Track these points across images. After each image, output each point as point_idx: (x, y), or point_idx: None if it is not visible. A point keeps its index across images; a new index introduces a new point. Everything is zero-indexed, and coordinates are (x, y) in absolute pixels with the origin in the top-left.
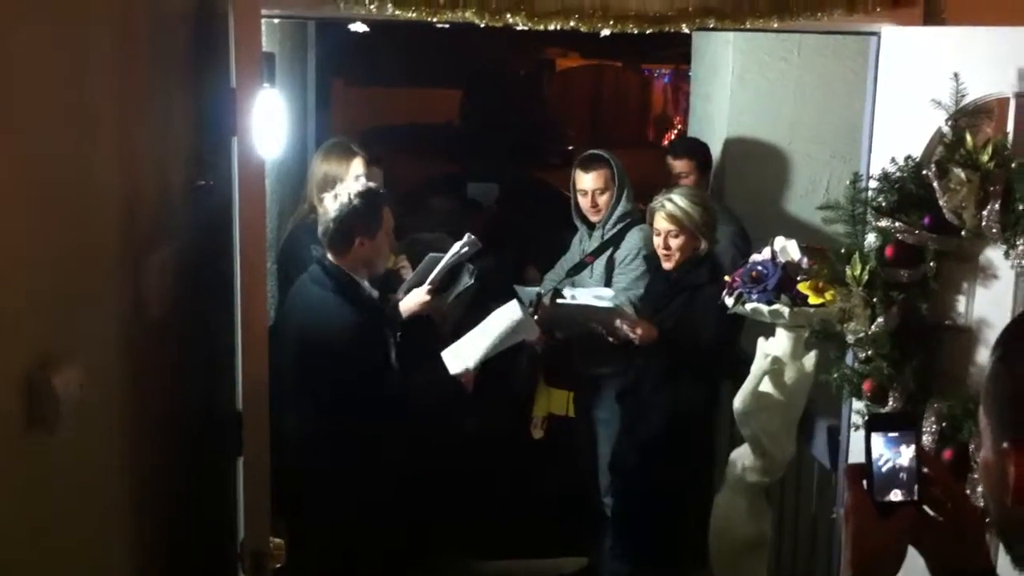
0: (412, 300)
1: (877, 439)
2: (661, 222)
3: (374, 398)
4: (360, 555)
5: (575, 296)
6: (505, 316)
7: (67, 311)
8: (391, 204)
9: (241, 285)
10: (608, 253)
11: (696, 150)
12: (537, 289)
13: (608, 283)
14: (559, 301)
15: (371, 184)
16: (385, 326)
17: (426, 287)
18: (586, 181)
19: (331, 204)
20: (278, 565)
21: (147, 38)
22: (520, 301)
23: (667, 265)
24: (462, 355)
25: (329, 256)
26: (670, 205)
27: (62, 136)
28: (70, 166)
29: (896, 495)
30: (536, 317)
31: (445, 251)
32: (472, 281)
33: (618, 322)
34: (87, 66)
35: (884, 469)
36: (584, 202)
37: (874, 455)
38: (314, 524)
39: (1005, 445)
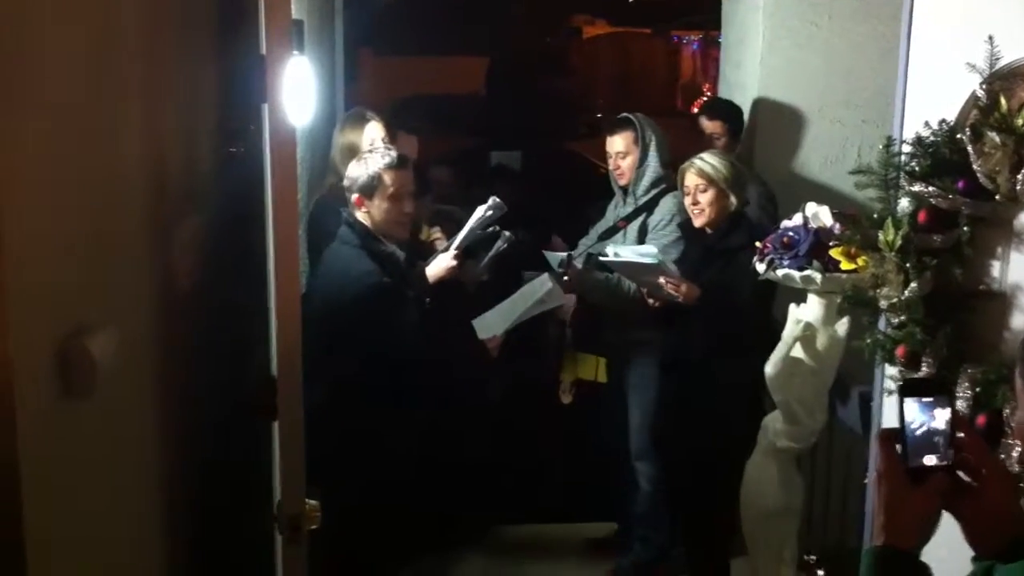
0: (439, 265)
1: (910, 404)
2: (691, 178)
3: (398, 355)
4: (387, 518)
5: (618, 253)
6: (534, 286)
7: (100, 279)
8: (403, 169)
9: (274, 251)
10: (641, 219)
11: (730, 112)
12: (564, 254)
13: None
14: (602, 259)
15: (380, 148)
16: (407, 285)
17: (452, 252)
18: (610, 144)
19: (352, 166)
20: (314, 527)
21: (174, 4)
22: (549, 267)
23: (698, 222)
24: (491, 324)
25: (355, 214)
26: (699, 162)
27: (90, 104)
28: (98, 134)
29: (929, 460)
30: (566, 278)
31: (462, 223)
32: (505, 245)
33: (662, 279)
34: (114, 33)
35: (917, 434)
36: (610, 164)
37: (907, 420)
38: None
39: None
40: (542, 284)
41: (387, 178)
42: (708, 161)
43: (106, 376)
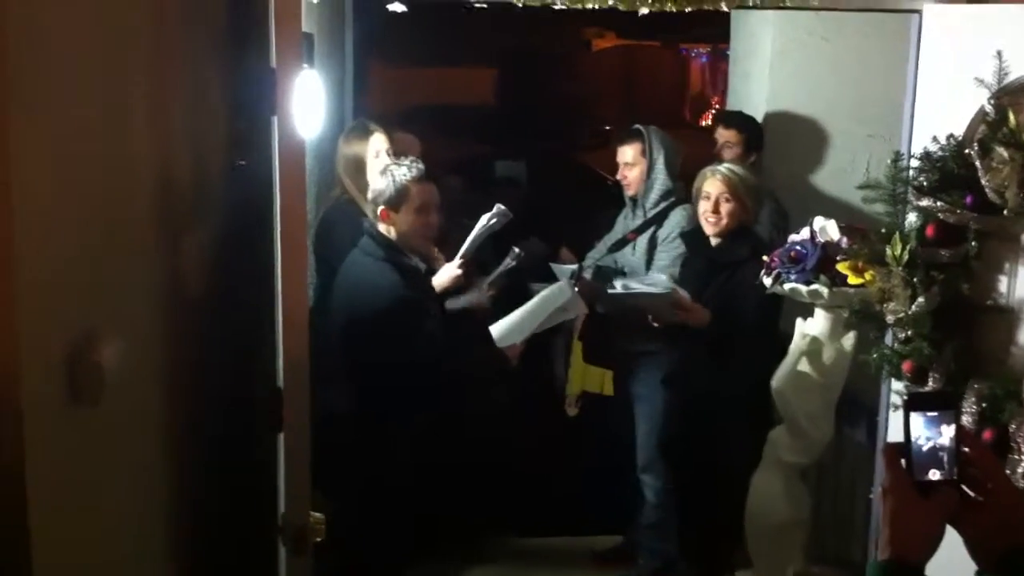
0: (444, 275)
1: (916, 418)
2: (716, 184)
3: (417, 367)
4: (393, 529)
5: (627, 285)
6: (554, 293)
7: (108, 287)
8: (429, 182)
9: (282, 263)
10: (651, 231)
11: (746, 123)
12: (573, 266)
13: (650, 261)
14: (610, 292)
15: (402, 160)
16: (429, 298)
17: (457, 261)
18: (619, 154)
19: (377, 178)
20: (319, 539)
21: (184, 17)
22: (555, 280)
23: (712, 231)
24: (510, 330)
25: (379, 227)
26: (725, 169)
27: (102, 114)
28: (109, 143)
29: (935, 475)
30: (576, 291)
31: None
32: (514, 263)
33: (678, 302)
34: (126, 44)
35: (923, 449)
36: (619, 175)
37: (913, 435)
38: (350, 496)
39: None
40: (561, 292)
41: (414, 190)
42: (735, 171)
43: (113, 385)
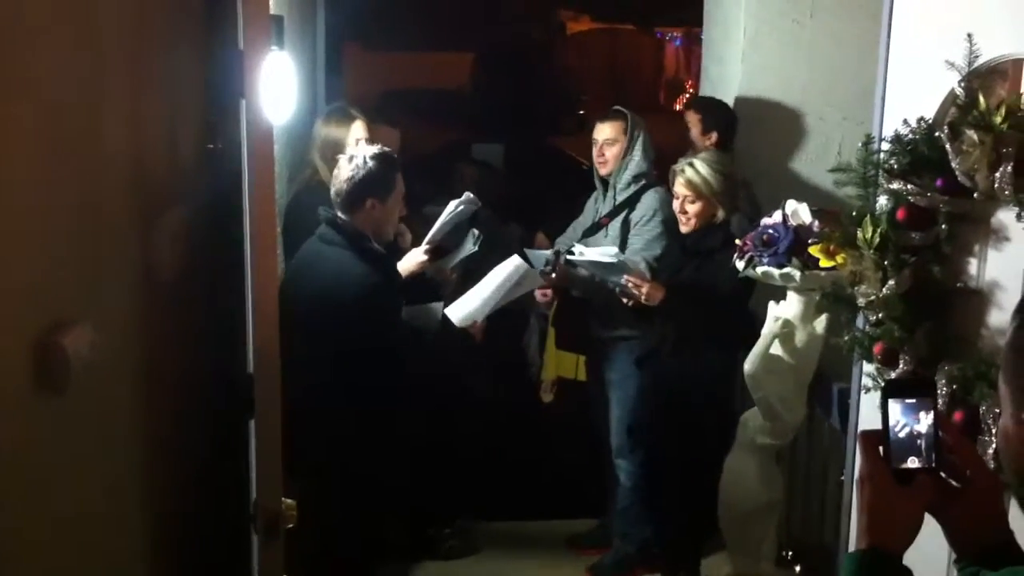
0: (410, 260)
1: (894, 405)
2: (679, 187)
3: (389, 354)
4: (371, 516)
5: (583, 253)
6: (507, 268)
7: (78, 274)
8: (402, 171)
9: (251, 248)
10: (623, 215)
11: (714, 109)
12: (548, 253)
13: (623, 244)
14: (568, 257)
15: (387, 148)
16: (395, 281)
17: (423, 247)
18: (598, 131)
19: (345, 165)
20: (290, 525)
21: None
22: (526, 259)
23: (684, 229)
24: (467, 309)
25: (340, 215)
26: (690, 170)
27: (72, 99)
28: (80, 128)
29: (913, 462)
30: (555, 276)
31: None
32: (476, 248)
33: (624, 277)
34: (97, 27)
35: (901, 435)
36: (595, 152)
37: (891, 422)
38: (325, 484)
39: None
40: (516, 268)
41: (398, 178)
42: (699, 171)
43: (82, 371)
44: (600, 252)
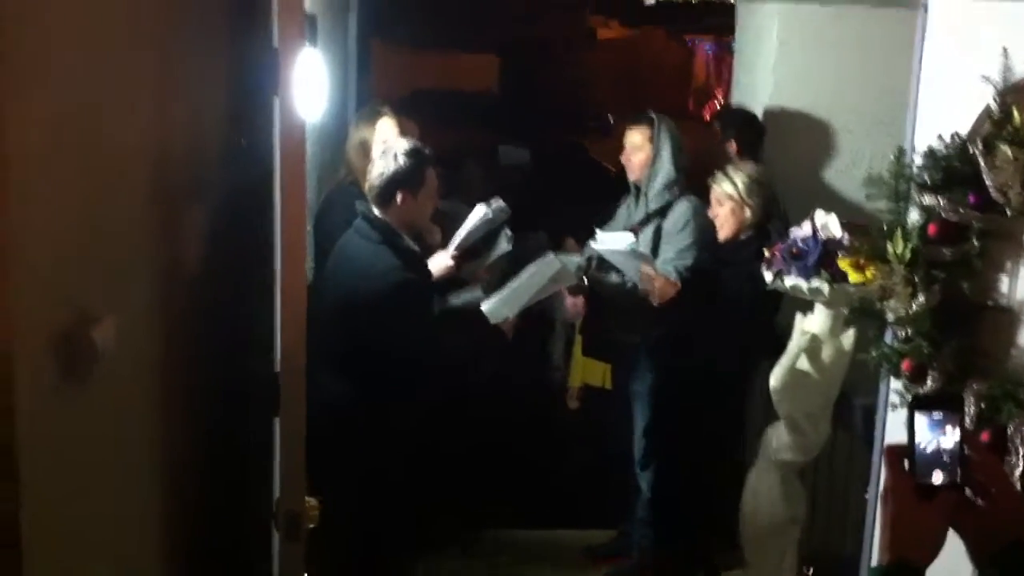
0: (436, 264)
1: (920, 419)
2: (713, 194)
3: (420, 352)
4: (388, 519)
5: (601, 241)
6: (542, 266)
7: (105, 267)
8: (435, 167)
9: (281, 247)
10: (656, 223)
11: (741, 121)
12: (579, 259)
13: (655, 253)
14: (591, 243)
15: (418, 143)
16: (427, 279)
17: (450, 251)
18: (626, 137)
19: (378, 160)
20: (312, 525)
21: None
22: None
23: (720, 235)
24: (501, 305)
25: (375, 210)
26: (718, 177)
27: (101, 92)
28: (108, 121)
29: (938, 477)
30: (586, 282)
31: (461, 219)
32: (509, 247)
33: (641, 268)
34: (127, 20)
35: (927, 450)
36: (623, 158)
37: (917, 436)
38: (346, 484)
39: None
40: (550, 264)
41: (428, 173)
42: (729, 177)
43: (107, 362)
44: (615, 239)
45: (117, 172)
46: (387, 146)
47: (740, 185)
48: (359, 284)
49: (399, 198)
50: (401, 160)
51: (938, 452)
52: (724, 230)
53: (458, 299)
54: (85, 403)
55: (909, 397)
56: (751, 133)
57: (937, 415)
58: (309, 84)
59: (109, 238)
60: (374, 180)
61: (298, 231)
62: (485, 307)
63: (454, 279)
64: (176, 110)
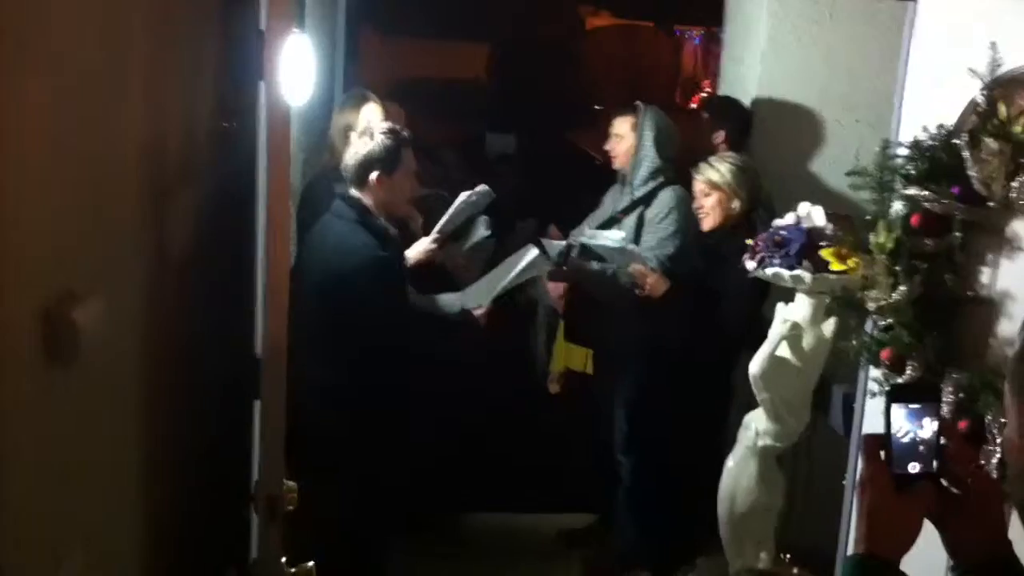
0: (417, 249)
1: (898, 410)
2: (696, 184)
3: (392, 334)
4: (365, 503)
5: (593, 236)
6: (519, 256)
7: (89, 248)
8: (414, 149)
9: (264, 230)
10: (639, 211)
11: (729, 110)
12: (562, 244)
13: (637, 241)
14: (581, 239)
15: (395, 125)
16: (402, 260)
17: (432, 236)
18: (612, 125)
19: (356, 140)
20: (291, 508)
21: None
22: (543, 250)
23: (704, 226)
24: (477, 294)
25: (351, 191)
26: (704, 166)
27: (89, 73)
28: (96, 103)
29: (914, 467)
30: (565, 268)
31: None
32: (488, 232)
33: (632, 266)
34: (119, 3)
35: (903, 441)
36: (608, 147)
37: (894, 426)
38: (324, 467)
39: None
40: (526, 252)
41: (405, 154)
42: (714, 166)
43: (90, 345)
44: (608, 235)
45: (105, 151)
46: (366, 127)
47: (727, 173)
48: (332, 260)
49: (374, 177)
50: (378, 140)
51: (914, 442)
52: (709, 220)
53: (446, 303)
54: (67, 384)
55: (888, 386)
56: (740, 123)
57: (914, 405)
58: (296, 69)
59: (95, 218)
60: (349, 160)
61: (282, 215)
62: (461, 294)
63: (442, 279)
64: (167, 92)
